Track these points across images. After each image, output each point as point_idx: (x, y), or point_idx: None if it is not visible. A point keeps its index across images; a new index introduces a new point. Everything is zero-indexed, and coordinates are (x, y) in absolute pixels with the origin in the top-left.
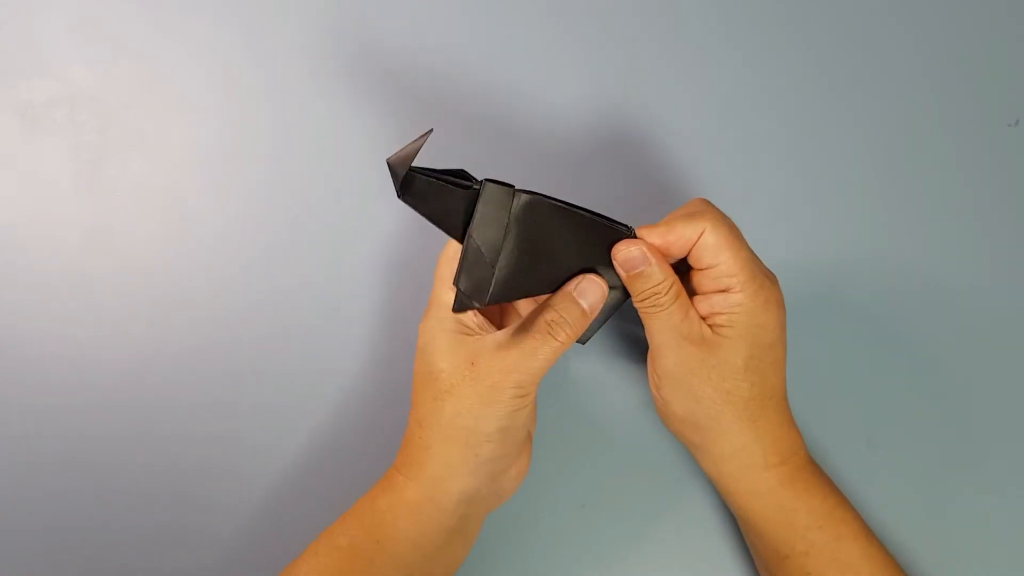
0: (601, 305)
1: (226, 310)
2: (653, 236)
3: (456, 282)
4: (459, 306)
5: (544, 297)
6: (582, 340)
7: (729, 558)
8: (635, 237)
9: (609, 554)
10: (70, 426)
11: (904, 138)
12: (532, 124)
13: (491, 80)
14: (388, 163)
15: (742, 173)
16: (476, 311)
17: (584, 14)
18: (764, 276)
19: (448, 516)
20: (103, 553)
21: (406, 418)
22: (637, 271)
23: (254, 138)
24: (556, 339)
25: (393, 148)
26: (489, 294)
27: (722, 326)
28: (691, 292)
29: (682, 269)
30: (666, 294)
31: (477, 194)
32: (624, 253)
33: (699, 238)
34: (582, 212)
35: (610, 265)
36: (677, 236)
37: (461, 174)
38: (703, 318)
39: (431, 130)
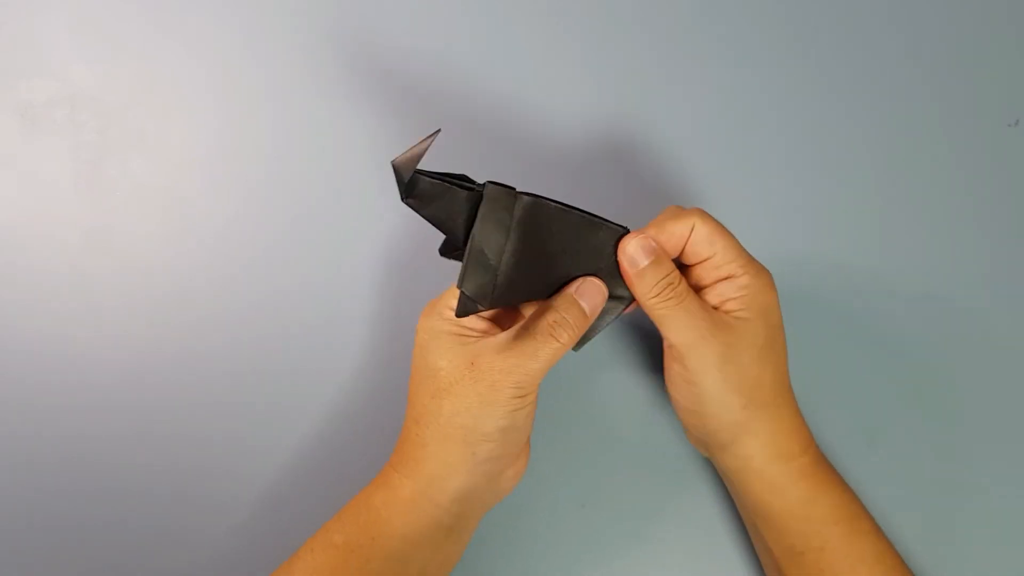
0: (601, 307)
1: (226, 310)
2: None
3: (459, 285)
4: (462, 309)
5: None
6: (576, 347)
7: (729, 558)
8: None
9: (609, 554)
10: (70, 426)
11: (904, 138)
12: (531, 127)
13: (491, 82)
14: (393, 164)
15: (742, 175)
16: (481, 315)
17: (584, 16)
18: (756, 261)
19: (444, 514)
20: (103, 553)
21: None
22: (647, 262)
23: (254, 138)
24: (558, 340)
25: (393, 148)
26: (492, 296)
27: (737, 310)
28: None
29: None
30: (680, 283)
31: (480, 196)
32: (634, 244)
33: (691, 232)
34: (582, 214)
35: (610, 267)
36: (669, 234)
37: (463, 178)
38: (715, 308)
39: (438, 131)
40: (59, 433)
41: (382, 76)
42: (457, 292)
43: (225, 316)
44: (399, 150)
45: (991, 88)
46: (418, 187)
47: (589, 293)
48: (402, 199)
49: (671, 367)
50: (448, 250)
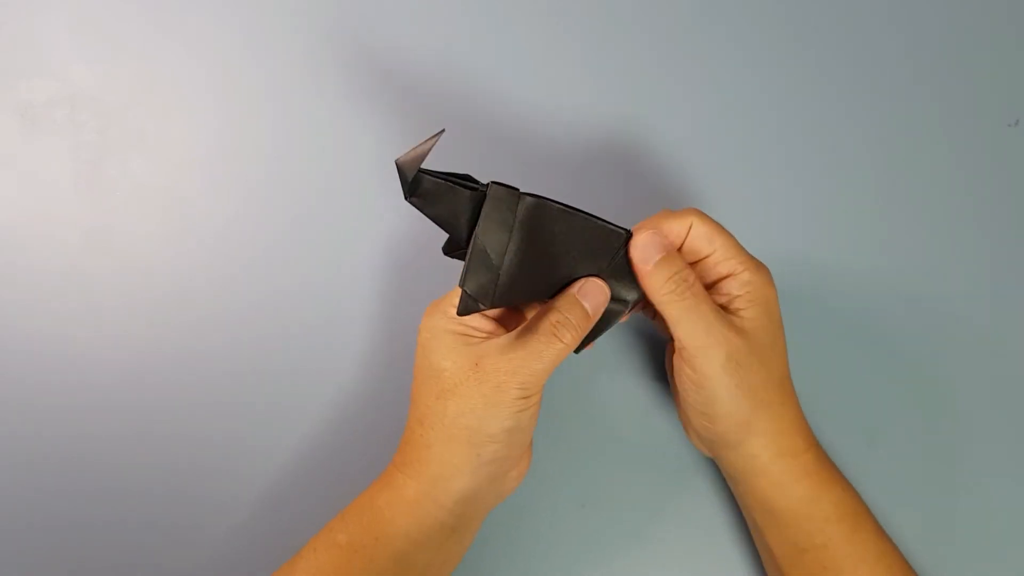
0: (604, 307)
1: (226, 310)
2: None
3: (461, 283)
4: (464, 308)
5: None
6: (577, 349)
7: (730, 558)
8: None
9: (609, 554)
10: (70, 426)
11: (904, 138)
12: (531, 127)
13: (492, 82)
14: (397, 163)
15: (742, 175)
16: (485, 315)
17: (584, 16)
18: (753, 256)
19: (448, 515)
20: (103, 553)
21: (405, 418)
22: (660, 256)
23: (254, 138)
24: (561, 340)
25: (393, 148)
26: (494, 296)
27: (744, 308)
28: None
29: None
30: (696, 283)
31: (483, 196)
32: (647, 237)
33: (688, 231)
34: (586, 216)
35: (612, 270)
36: (667, 232)
37: (467, 178)
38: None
39: (442, 131)
40: (59, 433)
41: (382, 76)
42: (460, 292)
43: (225, 316)
44: (399, 150)
45: (991, 88)
46: (422, 186)
47: (592, 293)
48: (406, 198)
49: (680, 369)
50: (451, 249)
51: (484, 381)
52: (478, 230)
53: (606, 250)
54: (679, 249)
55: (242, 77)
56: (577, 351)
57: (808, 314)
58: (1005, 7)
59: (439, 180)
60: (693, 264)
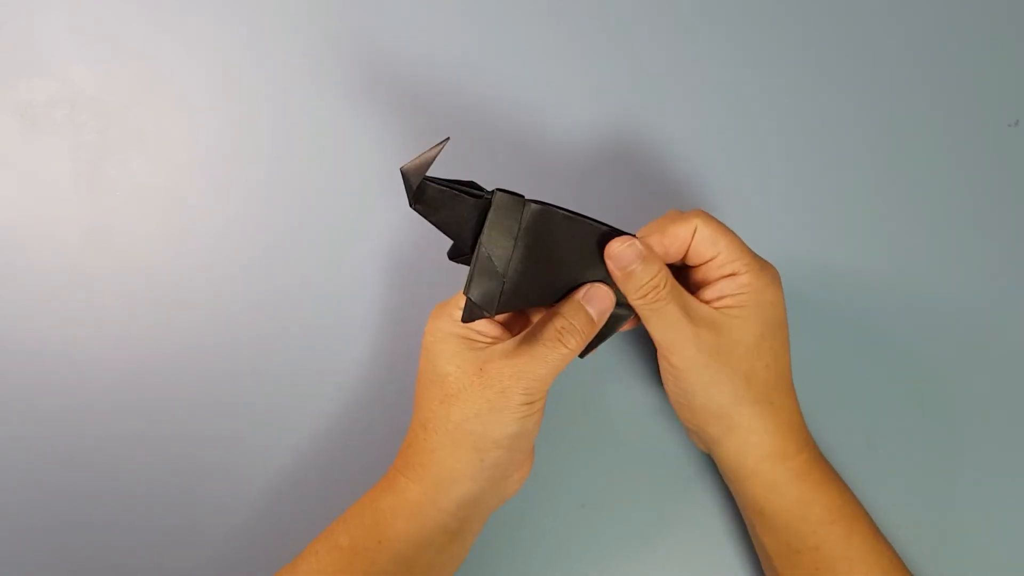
0: (609, 313)
1: (226, 310)
2: (651, 241)
3: (466, 291)
4: (468, 315)
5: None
6: (582, 354)
7: (730, 558)
8: None
9: (609, 554)
10: (70, 426)
11: (904, 138)
12: (533, 128)
13: (493, 82)
14: (402, 171)
15: (742, 175)
16: (491, 320)
17: (586, 18)
18: (760, 257)
19: (450, 518)
20: (103, 553)
21: (406, 419)
22: (632, 267)
23: (254, 138)
24: (565, 346)
25: (393, 148)
26: (498, 303)
27: (732, 307)
28: (695, 287)
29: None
30: (665, 286)
31: (488, 204)
32: (617, 249)
33: (693, 235)
34: (590, 222)
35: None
36: (672, 237)
37: (472, 185)
38: (708, 303)
39: (447, 139)
40: (59, 433)
41: (382, 76)
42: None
43: (225, 316)
44: (400, 149)
45: (991, 88)
46: (426, 194)
47: (597, 299)
48: (410, 205)
49: (661, 363)
50: (456, 254)
51: (488, 386)
52: (483, 238)
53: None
54: (687, 251)
55: (242, 77)
56: (582, 355)
57: (807, 314)
58: (1005, 7)
59: (444, 188)
60: (699, 266)
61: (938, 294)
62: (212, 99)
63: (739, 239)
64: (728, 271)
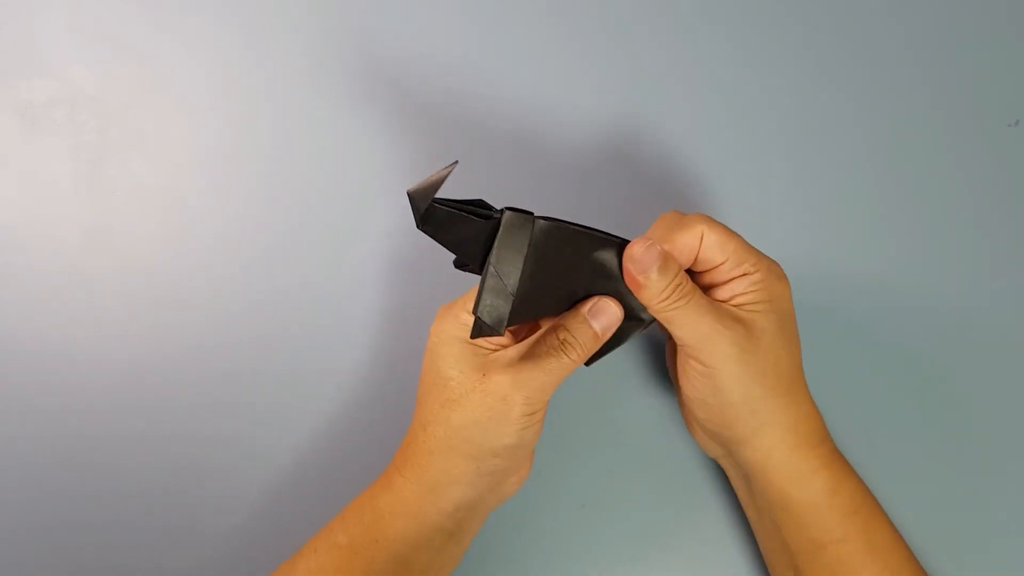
0: (615, 328)
1: (226, 310)
2: None
3: (475, 310)
4: (477, 332)
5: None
6: (588, 362)
7: (731, 558)
8: None
9: (609, 554)
10: (70, 426)
11: (904, 138)
12: (534, 129)
13: (494, 82)
14: (409, 194)
15: (743, 176)
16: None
17: (587, 18)
18: (764, 255)
19: (448, 520)
20: (103, 553)
21: (405, 419)
22: (656, 269)
23: (254, 138)
24: (566, 357)
25: (393, 148)
26: (507, 322)
27: (749, 303)
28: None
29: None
30: (687, 283)
31: (497, 224)
32: (639, 251)
33: (701, 241)
34: (599, 234)
35: (626, 288)
36: (681, 247)
37: (479, 203)
38: (724, 302)
39: (456, 162)
40: (59, 433)
41: (383, 76)
42: (472, 295)
43: (225, 316)
44: (400, 149)
45: (991, 88)
46: (434, 216)
47: (603, 313)
48: (418, 227)
49: (685, 364)
50: (462, 264)
51: (490, 393)
52: (492, 257)
53: (620, 267)
54: (695, 259)
55: (242, 77)
56: (588, 363)
57: (807, 314)
58: (1005, 7)
59: (452, 210)
60: (707, 271)
61: (938, 294)
62: (212, 99)
63: (744, 240)
64: (738, 272)
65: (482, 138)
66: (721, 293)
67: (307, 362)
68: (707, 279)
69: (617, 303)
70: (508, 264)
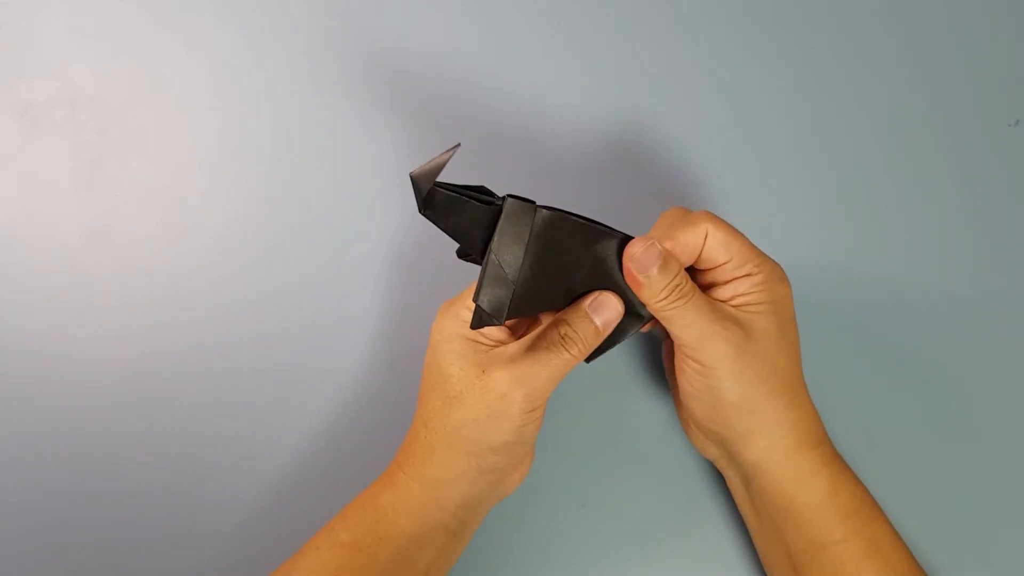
0: (616, 323)
1: (226, 310)
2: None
3: (475, 298)
4: (477, 322)
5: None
6: (588, 358)
7: (730, 558)
8: None
9: (609, 554)
10: (70, 426)
11: (904, 138)
12: (536, 127)
13: (494, 82)
14: (411, 177)
15: (744, 174)
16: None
17: (588, 16)
18: (767, 256)
19: (450, 518)
20: (104, 553)
21: (405, 418)
22: (656, 267)
23: (254, 138)
24: (567, 352)
25: (393, 148)
26: (508, 311)
27: (749, 304)
28: (703, 288)
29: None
30: (687, 283)
31: (499, 210)
32: (639, 250)
33: (705, 240)
34: (602, 228)
35: (627, 284)
36: (684, 245)
37: (482, 190)
38: (723, 303)
39: (458, 145)
40: (59, 433)
41: (383, 75)
42: (473, 291)
43: (225, 316)
44: (400, 149)
45: (991, 88)
46: (436, 200)
47: (604, 308)
48: (420, 211)
49: (683, 363)
50: (464, 253)
51: (488, 391)
52: (493, 245)
53: (622, 262)
54: (698, 257)
55: (242, 77)
56: (589, 360)
57: (807, 314)
58: (1005, 7)
59: (454, 194)
60: (709, 270)
61: (938, 294)
62: (212, 99)
63: (748, 240)
64: (741, 273)
65: (482, 138)
66: (722, 293)
67: (307, 362)
68: (709, 278)
69: (618, 298)
70: (509, 253)
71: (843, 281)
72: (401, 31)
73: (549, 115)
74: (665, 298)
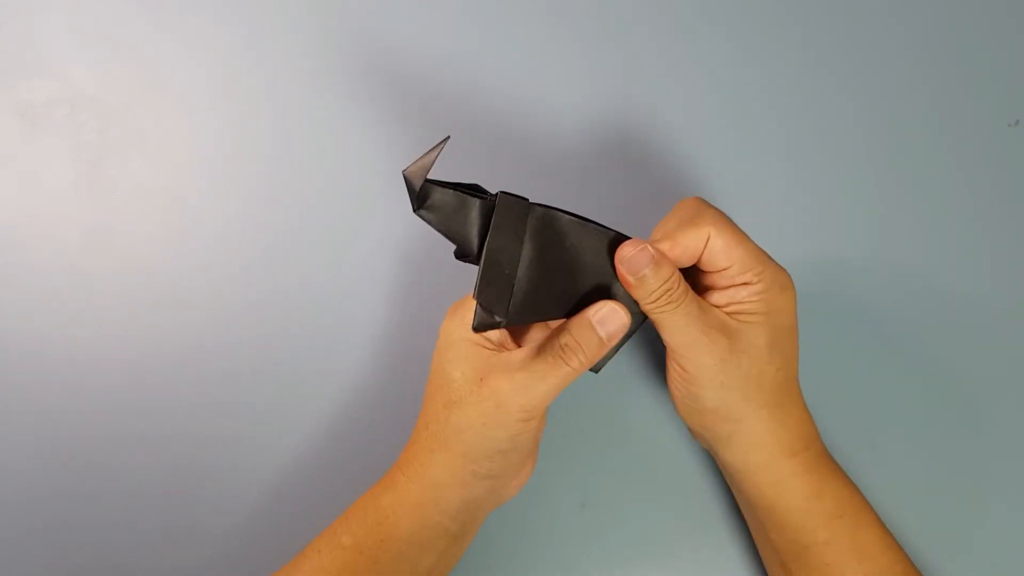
0: (621, 335)
1: (226, 310)
2: (662, 247)
3: (475, 295)
4: (479, 322)
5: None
6: (595, 368)
7: (730, 558)
8: None
9: (610, 554)
10: (70, 426)
11: (904, 138)
12: (535, 127)
13: (494, 82)
14: (404, 175)
15: (744, 176)
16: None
17: (585, 17)
18: (774, 262)
19: (451, 521)
20: (104, 553)
21: (405, 419)
22: (644, 272)
23: (254, 138)
24: (568, 364)
25: (394, 148)
26: (509, 307)
27: (743, 313)
28: (704, 289)
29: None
30: (678, 287)
31: (492, 206)
32: (629, 253)
33: (706, 243)
34: (597, 227)
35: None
36: (683, 248)
37: (475, 188)
38: (719, 307)
39: (447, 138)
40: (59, 433)
41: (383, 75)
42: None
43: (225, 316)
44: (400, 149)
45: (991, 88)
46: (430, 197)
47: (609, 320)
48: (414, 210)
49: (670, 365)
50: (462, 253)
51: (486, 399)
52: (489, 241)
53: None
54: (700, 259)
55: (242, 77)
56: (595, 370)
57: (807, 314)
58: (1005, 7)
59: (447, 191)
60: (711, 272)
61: (939, 294)
62: (212, 99)
63: (754, 246)
64: (740, 280)
65: (483, 138)
66: (719, 298)
67: (307, 362)
68: (709, 280)
69: (624, 309)
70: (506, 249)
71: (843, 281)
72: (401, 31)
73: (549, 115)
74: (655, 301)
